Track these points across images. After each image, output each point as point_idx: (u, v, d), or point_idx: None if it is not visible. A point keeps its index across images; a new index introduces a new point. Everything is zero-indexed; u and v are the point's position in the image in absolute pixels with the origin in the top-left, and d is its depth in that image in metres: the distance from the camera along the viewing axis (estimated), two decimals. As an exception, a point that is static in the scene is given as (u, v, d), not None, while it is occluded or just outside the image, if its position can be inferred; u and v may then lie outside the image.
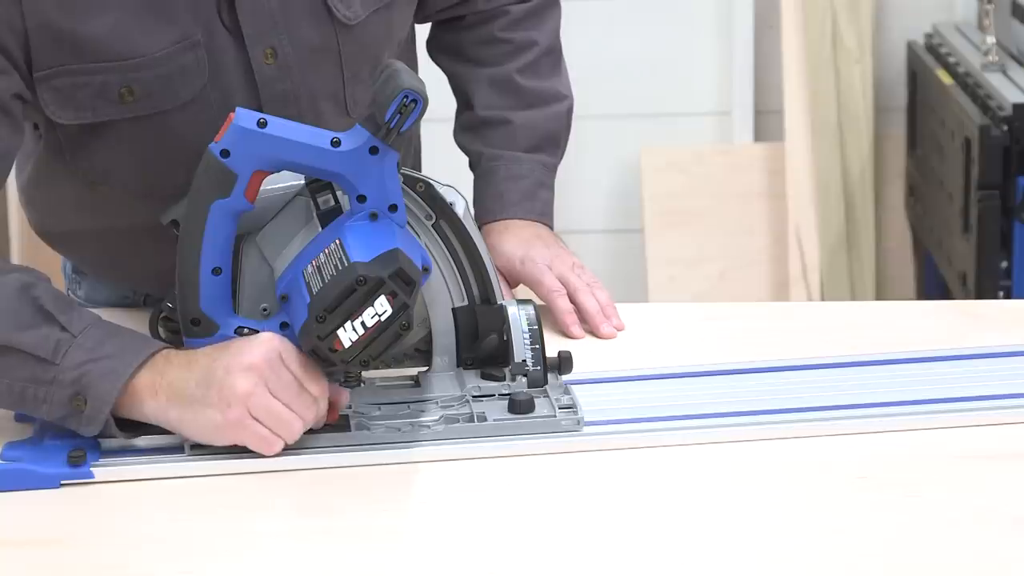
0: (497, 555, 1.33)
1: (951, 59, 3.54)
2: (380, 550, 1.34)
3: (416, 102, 1.45)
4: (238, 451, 1.48)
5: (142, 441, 1.49)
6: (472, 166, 1.93)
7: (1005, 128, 3.13)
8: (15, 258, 3.68)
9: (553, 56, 1.94)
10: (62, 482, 1.44)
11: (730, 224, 3.63)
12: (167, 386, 1.48)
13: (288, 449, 1.48)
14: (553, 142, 1.93)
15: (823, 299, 3.64)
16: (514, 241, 1.84)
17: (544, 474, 1.47)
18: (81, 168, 1.70)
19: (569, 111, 1.96)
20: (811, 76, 3.70)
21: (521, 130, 1.90)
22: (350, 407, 1.54)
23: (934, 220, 3.56)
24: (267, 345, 1.48)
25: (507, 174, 1.88)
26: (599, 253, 3.83)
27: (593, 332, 1.77)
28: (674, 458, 1.49)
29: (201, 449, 1.48)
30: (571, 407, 1.53)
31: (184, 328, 1.52)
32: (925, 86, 3.64)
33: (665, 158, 3.68)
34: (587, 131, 3.70)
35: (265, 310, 1.54)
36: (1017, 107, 3.14)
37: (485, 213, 1.87)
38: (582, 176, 3.74)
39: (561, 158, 1.95)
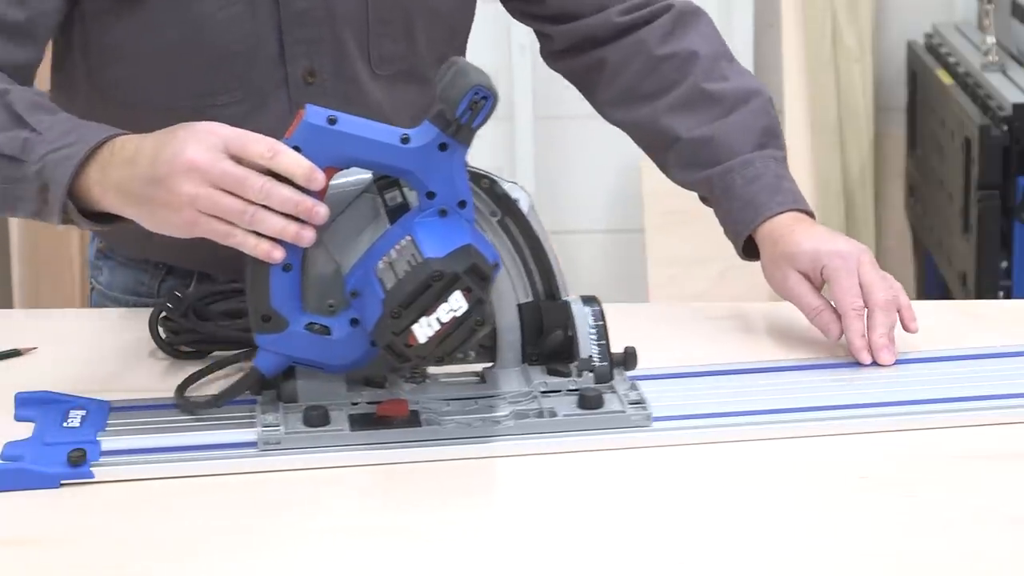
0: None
1: (951, 59, 3.54)
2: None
3: (487, 98, 1.45)
4: (248, 451, 1.48)
5: (142, 441, 1.50)
6: (705, 199, 1.84)
7: (1005, 128, 3.14)
8: (15, 255, 3.68)
9: (727, 58, 1.86)
10: (62, 482, 1.44)
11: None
12: (113, 186, 1.51)
13: (358, 444, 1.48)
14: (773, 135, 1.82)
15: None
16: (808, 239, 1.72)
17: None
18: (101, 80, 1.73)
19: (771, 101, 1.84)
20: (811, 75, 3.70)
21: (736, 136, 1.80)
22: (418, 402, 1.54)
23: (934, 220, 3.56)
24: (207, 139, 1.47)
25: (743, 180, 1.78)
26: (599, 253, 3.84)
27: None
28: (676, 457, 1.49)
29: (207, 451, 1.48)
30: (640, 402, 1.54)
31: (254, 324, 1.52)
32: (925, 86, 3.64)
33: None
34: (588, 131, 3.70)
35: (331, 306, 1.54)
36: (1017, 107, 3.14)
37: (742, 228, 1.77)
38: (582, 176, 3.74)
39: (786, 151, 1.83)
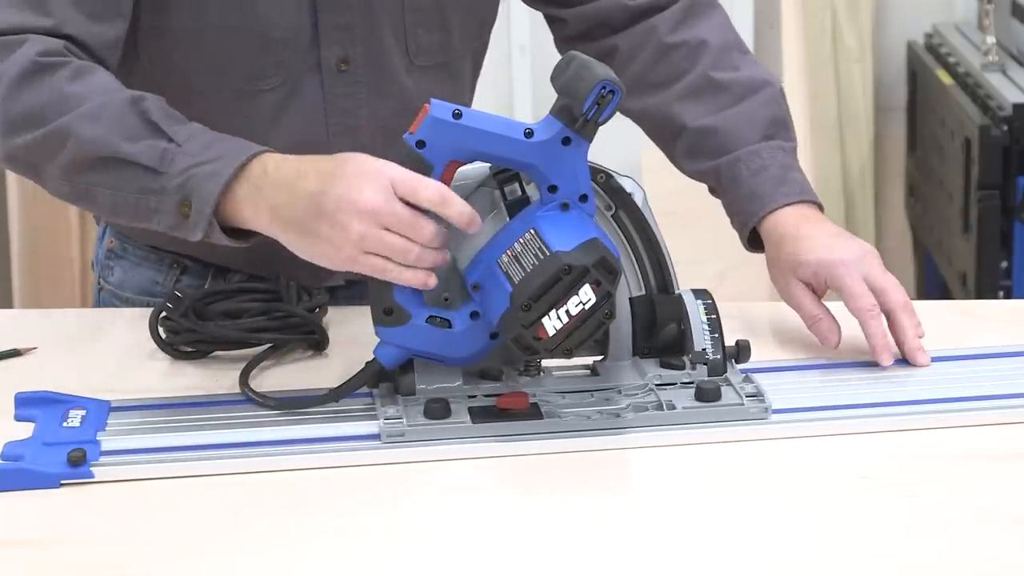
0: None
1: (951, 59, 3.54)
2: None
3: (614, 92, 1.46)
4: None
5: (142, 441, 1.49)
6: (713, 190, 1.84)
7: (1005, 128, 3.14)
8: (15, 256, 3.68)
9: (739, 50, 1.86)
10: (62, 482, 1.44)
11: (730, 224, 3.63)
12: (269, 208, 1.51)
13: (482, 436, 1.49)
14: (781, 125, 1.82)
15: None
16: (811, 249, 1.70)
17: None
18: (154, 69, 1.72)
19: (782, 93, 1.84)
20: (811, 75, 3.70)
21: (743, 126, 1.79)
22: (535, 395, 1.54)
23: (934, 220, 3.56)
24: (379, 180, 1.47)
25: (749, 171, 1.77)
26: (599, 253, 3.83)
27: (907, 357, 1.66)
28: (687, 457, 1.49)
29: (208, 451, 1.48)
30: (757, 395, 1.54)
31: (376, 317, 1.53)
32: (925, 86, 3.64)
33: (665, 158, 3.67)
34: (587, 131, 3.70)
35: (447, 299, 1.54)
36: (1017, 107, 3.14)
37: (747, 219, 1.77)
38: (582, 176, 3.73)
39: (796, 142, 1.82)
